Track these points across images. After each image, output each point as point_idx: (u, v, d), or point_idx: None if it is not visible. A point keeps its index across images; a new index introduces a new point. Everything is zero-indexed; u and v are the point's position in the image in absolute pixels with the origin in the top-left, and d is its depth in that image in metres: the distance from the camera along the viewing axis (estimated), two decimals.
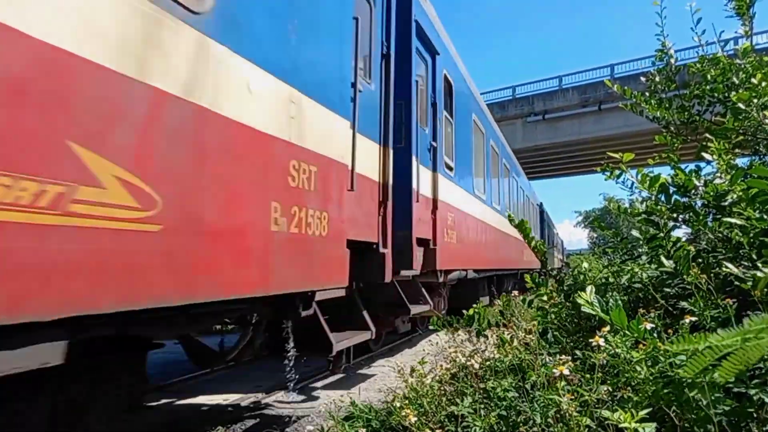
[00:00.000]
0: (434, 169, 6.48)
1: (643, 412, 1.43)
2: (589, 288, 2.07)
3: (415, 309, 5.82)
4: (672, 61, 3.69)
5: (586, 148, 33.38)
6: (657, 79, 3.74)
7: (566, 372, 1.69)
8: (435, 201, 6.43)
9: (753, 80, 2.88)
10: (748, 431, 1.52)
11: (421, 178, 5.90)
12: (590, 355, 1.86)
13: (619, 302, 1.96)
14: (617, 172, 3.03)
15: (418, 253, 5.80)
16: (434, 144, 6.47)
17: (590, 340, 1.84)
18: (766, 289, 2.05)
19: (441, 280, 6.92)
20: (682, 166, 2.94)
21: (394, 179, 5.10)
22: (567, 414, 1.62)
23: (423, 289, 6.31)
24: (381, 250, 4.82)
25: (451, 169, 7.39)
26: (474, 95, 9.71)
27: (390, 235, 5.01)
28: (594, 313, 1.96)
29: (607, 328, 1.89)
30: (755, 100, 2.82)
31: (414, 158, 5.63)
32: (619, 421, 1.42)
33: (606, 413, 1.47)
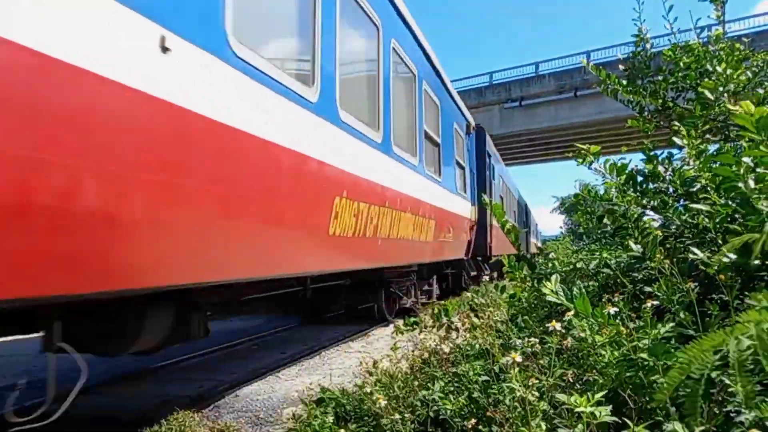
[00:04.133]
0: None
1: (599, 395, 1.43)
2: (553, 277, 2.07)
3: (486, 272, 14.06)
4: (648, 46, 3.67)
5: (562, 135, 33.60)
6: (636, 64, 3.71)
7: (519, 359, 1.69)
8: (491, 226, 13.35)
9: (718, 68, 2.88)
10: (709, 413, 1.54)
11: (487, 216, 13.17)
12: (549, 340, 1.86)
13: (583, 291, 1.97)
14: (590, 158, 2.99)
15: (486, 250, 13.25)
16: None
17: (547, 325, 1.84)
18: (730, 274, 2.07)
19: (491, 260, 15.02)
20: (657, 152, 2.94)
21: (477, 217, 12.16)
22: (523, 399, 1.62)
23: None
24: (472, 244, 11.57)
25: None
26: (502, 165, 18.58)
27: (474, 238, 11.83)
28: (558, 301, 1.97)
29: (572, 312, 1.89)
30: (721, 88, 2.84)
31: (487, 210, 12.01)
32: (574, 405, 1.41)
33: (561, 397, 1.47)
